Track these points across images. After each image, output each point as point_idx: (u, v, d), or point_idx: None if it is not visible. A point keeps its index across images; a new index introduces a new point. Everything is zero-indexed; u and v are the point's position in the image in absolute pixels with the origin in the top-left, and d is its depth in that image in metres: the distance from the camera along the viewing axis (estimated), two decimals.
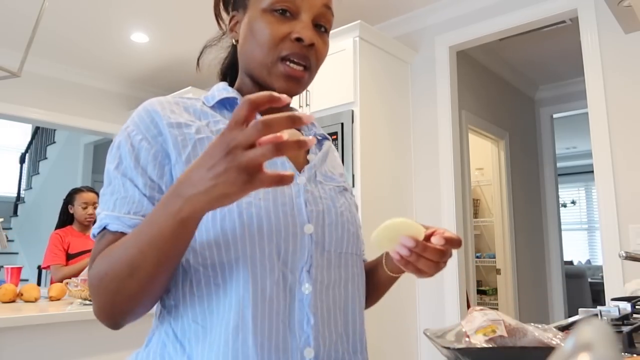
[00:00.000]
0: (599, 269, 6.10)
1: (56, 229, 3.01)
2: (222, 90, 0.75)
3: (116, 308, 0.61)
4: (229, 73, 0.86)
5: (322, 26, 0.74)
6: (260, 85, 0.74)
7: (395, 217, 0.65)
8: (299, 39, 0.70)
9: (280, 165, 0.71)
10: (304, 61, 0.71)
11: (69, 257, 2.87)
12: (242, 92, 0.78)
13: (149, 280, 0.59)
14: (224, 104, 0.75)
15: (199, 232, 0.64)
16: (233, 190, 0.49)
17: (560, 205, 4.61)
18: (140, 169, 0.66)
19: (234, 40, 0.79)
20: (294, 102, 2.90)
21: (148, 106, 0.70)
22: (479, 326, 0.77)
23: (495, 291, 4.15)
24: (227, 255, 0.64)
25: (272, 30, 0.70)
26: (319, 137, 0.83)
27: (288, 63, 0.70)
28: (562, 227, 4.54)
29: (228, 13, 0.79)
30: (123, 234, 0.63)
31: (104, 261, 0.61)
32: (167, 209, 0.54)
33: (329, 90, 2.77)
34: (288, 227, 0.66)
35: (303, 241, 0.67)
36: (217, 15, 0.81)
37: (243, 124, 0.49)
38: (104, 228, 0.65)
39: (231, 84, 0.83)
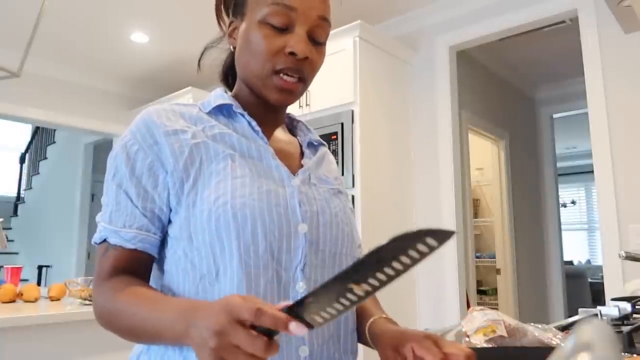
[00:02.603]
0: (599, 269, 6.09)
1: None
2: (219, 96, 0.77)
3: (113, 331, 0.68)
4: (230, 73, 0.87)
5: (318, 38, 0.74)
6: (256, 94, 0.76)
7: None
8: (292, 53, 0.70)
9: (275, 169, 0.72)
10: (298, 74, 0.72)
11: None
12: (239, 99, 0.79)
13: (146, 343, 0.66)
14: (220, 110, 0.76)
15: (194, 232, 0.66)
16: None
17: (560, 205, 4.61)
18: (135, 179, 0.68)
19: (232, 47, 0.80)
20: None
21: (145, 116, 0.72)
22: (479, 326, 0.77)
23: (495, 291, 4.15)
24: (221, 254, 0.65)
25: (266, 43, 0.70)
26: (315, 143, 0.85)
27: (282, 75, 0.71)
28: (562, 227, 4.54)
29: (228, 16, 0.80)
30: (123, 247, 0.67)
31: (110, 301, 0.66)
32: (174, 326, 0.57)
33: (329, 90, 2.77)
34: (282, 227, 0.67)
35: (297, 240, 0.69)
36: (219, 17, 0.82)
37: (244, 326, 0.50)
38: (105, 240, 0.69)
39: (233, 84, 0.84)
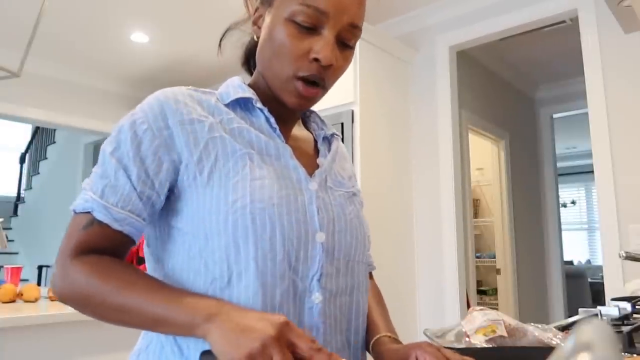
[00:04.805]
0: (599, 269, 6.10)
1: None
2: (238, 87, 0.73)
3: (86, 309, 0.63)
4: (252, 58, 0.82)
5: (346, 42, 0.70)
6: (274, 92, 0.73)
7: None
8: (317, 59, 0.67)
9: (293, 169, 0.70)
10: (320, 81, 0.69)
11: (140, 261, 2.45)
12: (256, 89, 0.76)
13: (137, 327, 0.62)
14: (238, 102, 0.73)
15: (210, 233, 0.63)
16: None
17: (560, 205, 4.61)
18: (139, 160, 0.65)
19: (255, 36, 0.76)
20: None
21: (161, 97, 0.68)
22: (479, 326, 0.77)
23: (495, 291, 4.15)
24: (236, 260, 0.62)
25: (291, 45, 0.67)
26: (329, 137, 0.82)
27: (302, 83, 0.68)
28: (562, 227, 4.54)
29: None
30: (109, 226, 0.63)
31: (97, 277, 0.61)
32: (193, 319, 0.57)
33: (329, 90, 2.77)
34: (300, 235, 0.65)
35: (314, 249, 0.66)
36: None
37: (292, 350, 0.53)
38: (89, 212, 0.64)
39: (254, 68, 0.81)
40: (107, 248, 0.64)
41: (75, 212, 0.65)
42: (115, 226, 0.63)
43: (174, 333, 0.59)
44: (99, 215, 0.63)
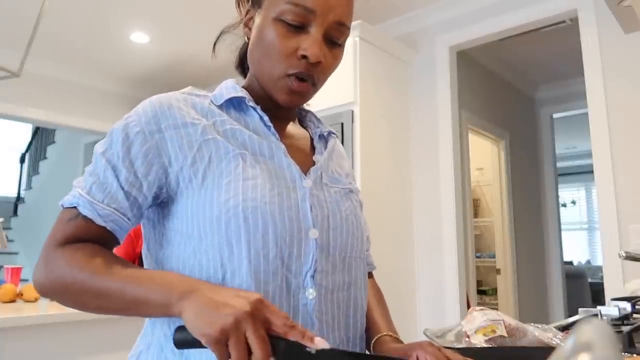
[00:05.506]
0: (599, 269, 6.10)
1: None
2: (231, 88, 0.74)
3: (64, 297, 0.64)
4: (245, 60, 0.83)
5: (334, 40, 0.71)
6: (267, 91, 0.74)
7: None
8: (305, 57, 0.68)
9: (287, 168, 0.70)
10: (309, 79, 0.70)
11: (140, 263, 2.41)
12: (250, 91, 0.77)
13: (114, 312, 0.63)
14: (232, 103, 0.74)
15: (204, 232, 0.64)
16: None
17: (560, 205, 4.61)
18: (128, 161, 0.66)
19: (246, 38, 0.77)
20: None
21: (155, 102, 0.69)
22: (479, 326, 0.77)
23: (495, 291, 4.15)
24: (229, 258, 0.63)
25: (279, 43, 0.68)
26: (325, 135, 0.83)
27: (294, 79, 0.69)
28: (562, 227, 4.54)
29: (248, 1, 0.77)
30: (93, 221, 0.65)
31: (75, 264, 0.62)
32: (169, 298, 0.57)
33: (328, 90, 2.75)
34: (293, 232, 0.66)
35: (308, 246, 0.67)
36: (239, 1, 0.79)
37: (264, 324, 0.54)
38: (75, 207, 0.66)
39: (248, 70, 0.82)
40: (89, 242, 0.65)
41: (63, 207, 0.67)
42: (99, 222, 0.65)
43: (153, 315, 0.60)
44: (84, 211, 0.65)
